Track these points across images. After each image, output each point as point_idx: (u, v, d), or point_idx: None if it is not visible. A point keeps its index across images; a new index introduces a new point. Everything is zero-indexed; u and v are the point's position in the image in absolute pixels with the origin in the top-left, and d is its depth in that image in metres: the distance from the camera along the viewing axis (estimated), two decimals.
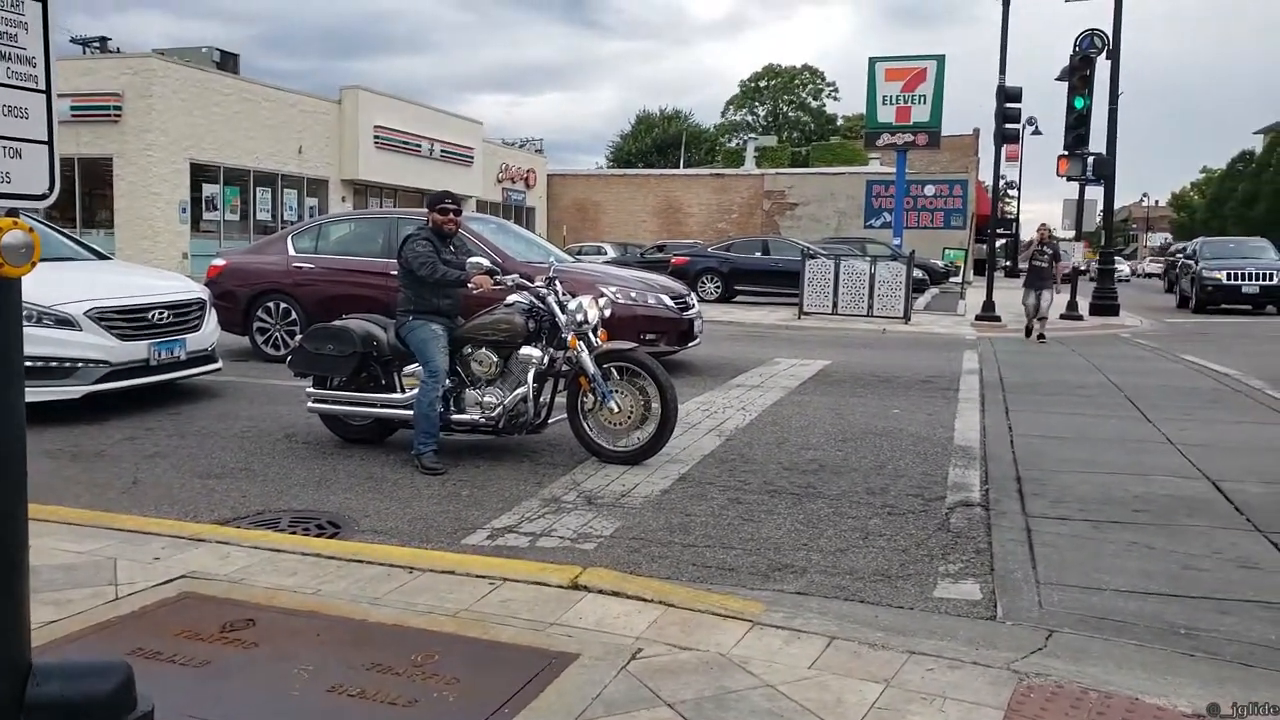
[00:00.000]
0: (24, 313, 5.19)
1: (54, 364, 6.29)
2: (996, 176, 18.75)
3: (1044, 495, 4.97)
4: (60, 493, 4.73)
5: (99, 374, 6.49)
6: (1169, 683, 2.74)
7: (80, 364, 6.40)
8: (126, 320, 6.66)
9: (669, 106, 64.27)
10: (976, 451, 6.02)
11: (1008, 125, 17.62)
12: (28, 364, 6.15)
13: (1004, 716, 2.52)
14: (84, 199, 24.57)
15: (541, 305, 5.53)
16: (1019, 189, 52.01)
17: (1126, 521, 4.51)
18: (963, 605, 3.48)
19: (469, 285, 5.49)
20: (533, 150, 46.53)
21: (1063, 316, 17.48)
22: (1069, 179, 17.75)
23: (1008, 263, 49.29)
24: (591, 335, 5.47)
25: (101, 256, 8.17)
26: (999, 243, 28.49)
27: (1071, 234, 19.21)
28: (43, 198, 1.60)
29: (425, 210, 5.80)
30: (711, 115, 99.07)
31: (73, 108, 23.26)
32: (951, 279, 32.55)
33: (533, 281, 5.71)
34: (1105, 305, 18.27)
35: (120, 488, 4.97)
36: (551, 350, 5.53)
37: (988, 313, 16.73)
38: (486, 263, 5.62)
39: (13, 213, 1.55)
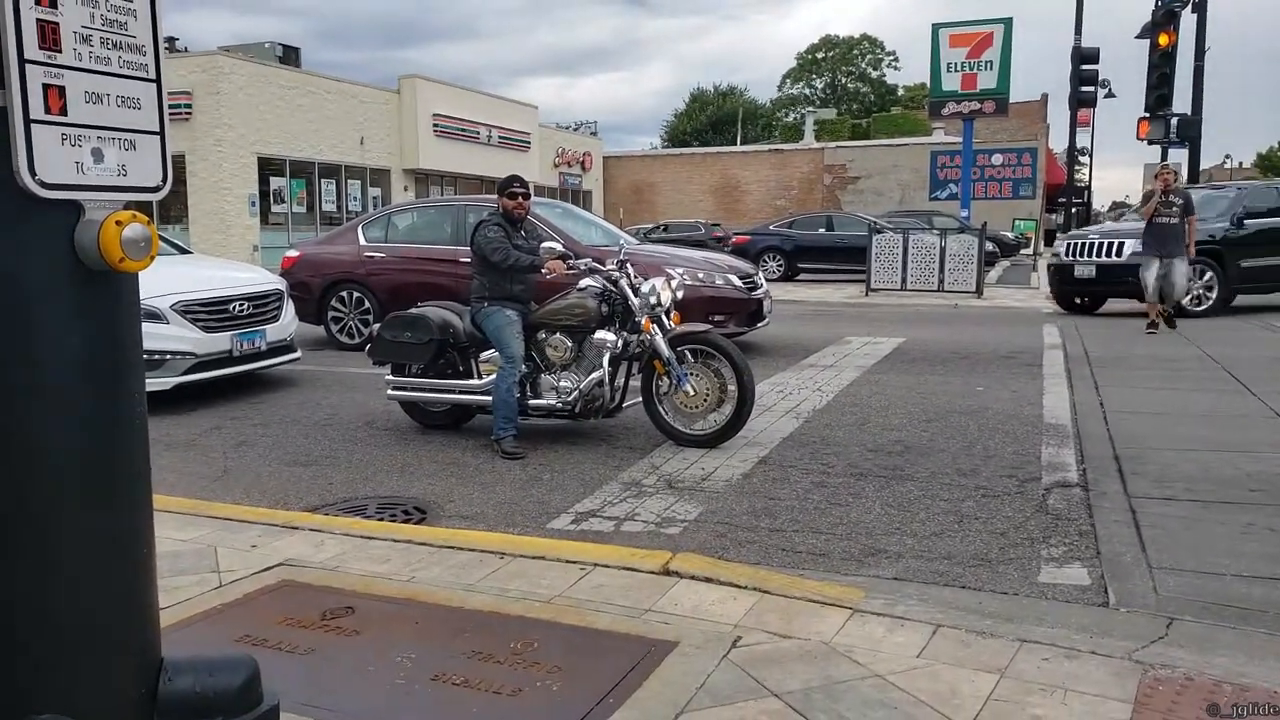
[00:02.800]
0: None
1: (145, 357, 6.45)
2: (1073, 142, 18.17)
3: (1145, 474, 4.76)
4: (157, 481, 4.74)
5: (186, 365, 6.65)
6: None
7: (169, 356, 6.57)
8: (209, 312, 6.81)
9: (723, 83, 63.64)
10: (1069, 429, 5.80)
11: (1084, 88, 17.01)
12: None
13: (1132, 710, 2.40)
14: None
15: (614, 289, 5.48)
16: (1090, 155, 50.33)
17: (1240, 502, 4.29)
18: (1071, 591, 3.34)
19: (542, 270, 5.47)
20: (587, 133, 46.55)
21: None
22: (1150, 142, 17.07)
23: None
24: (665, 318, 5.41)
25: (183, 251, 8.37)
26: (1072, 211, 27.51)
27: None
28: (156, 190, 1.58)
29: (494, 196, 5.79)
30: (768, 90, 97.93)
31: None
32: (1023, 251, 31.70)
33: (604, 265, 5.66)
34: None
35: (212, 476, 5.08)
36: (625, 334, 5.48)
37: None
38: (560, 247, 5.59)
39: (129, 206, 1.53)
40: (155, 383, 6.51)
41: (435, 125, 30.56)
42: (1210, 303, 12.28)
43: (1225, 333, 10.68)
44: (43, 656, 1.47)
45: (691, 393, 5.33)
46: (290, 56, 29.23)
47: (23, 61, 1.35)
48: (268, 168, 25.61)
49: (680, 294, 5.61)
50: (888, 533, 3.99)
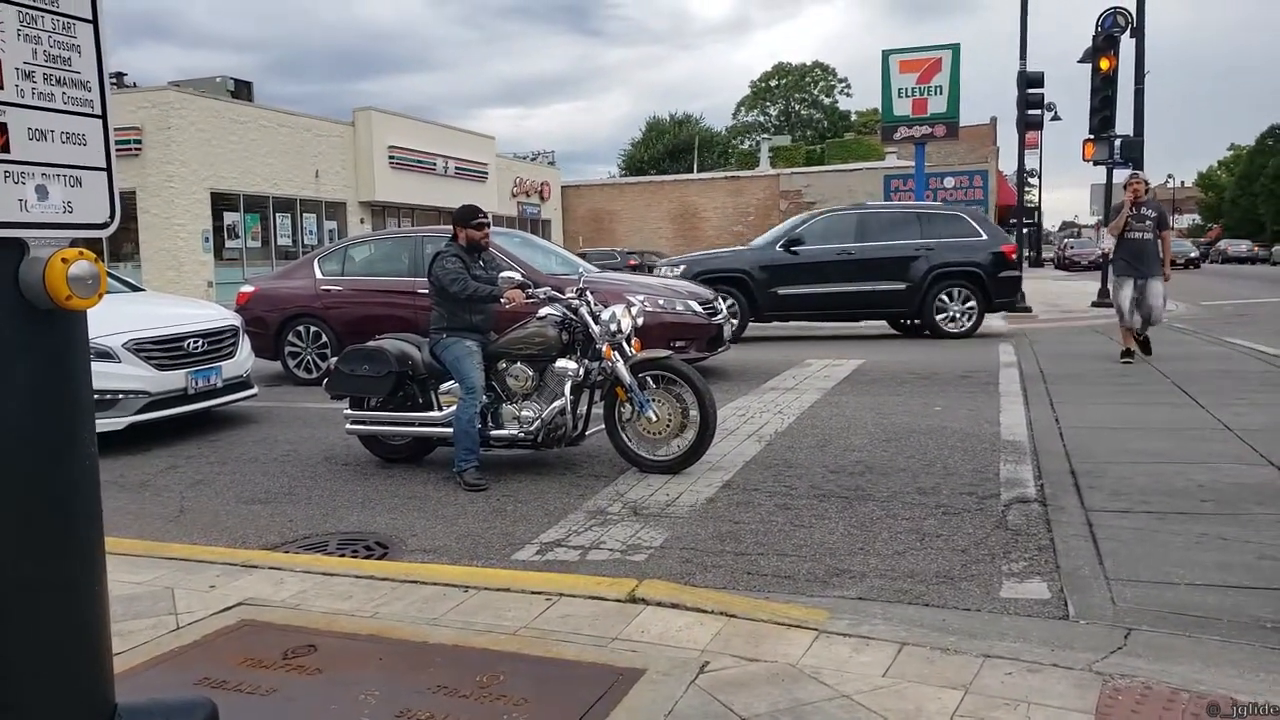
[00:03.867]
0: None
1: (96, 396, 6.32)
2: (1021, 165, 18.46)
3: (1101, 488, 4.84)
4: (110, 523, 4.66)
5: (140, 404, 6.52)
6: (1264, 680, 2.62)
7: (121, 395, 6.44)
8: (163, 350, 6.70)
9: (679, 111, 64.34)
10: (1026, 446, 5.90)
11: (1030, 112, 17.40)
12: None
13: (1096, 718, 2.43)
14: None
15: (574, 317, 5.49)
16: (1039, 176, 51.56)
17: (1193, 512, 4.38)
18: (1032, 605, 3.38)
19: (501, 300, 5.46)
20: (545, 163, 46.71)
21: (1094, 304, 17.26)
22: (1096, 163, 17.51)
23: (1031, 253, 48.86)
24: (626, 345, 5.42)
25: (134, 288, 8.23)
26: (1023, 232, 28.16)
27: (1098, 219, 18.93)
28: (104, 226, 1.56)
29: (451, 227, 5.78)
30: (723, 118, 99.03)
31: None
32: None
33: (563, 293, 5.67)
34: None
35: (168, 516, 4.97)
36: (586, 361, 5.48)
37: (1019, 304, 16.49)
38: (518, 276, 5.59)
39: (75, 243, 1.51)
40: (108, 423, 6.36)
41: (391, 157, 30.48)
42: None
43: (1175, 347, 10.96)
44: None
45: (654, 419, 5.34)
46: (243, 91, 29.03)
47: None
48: (221, 203, 25.33)
49: (641, 320, 5.63)
50: (851, 553, 4.01)
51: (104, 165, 1.56)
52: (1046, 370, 9.38)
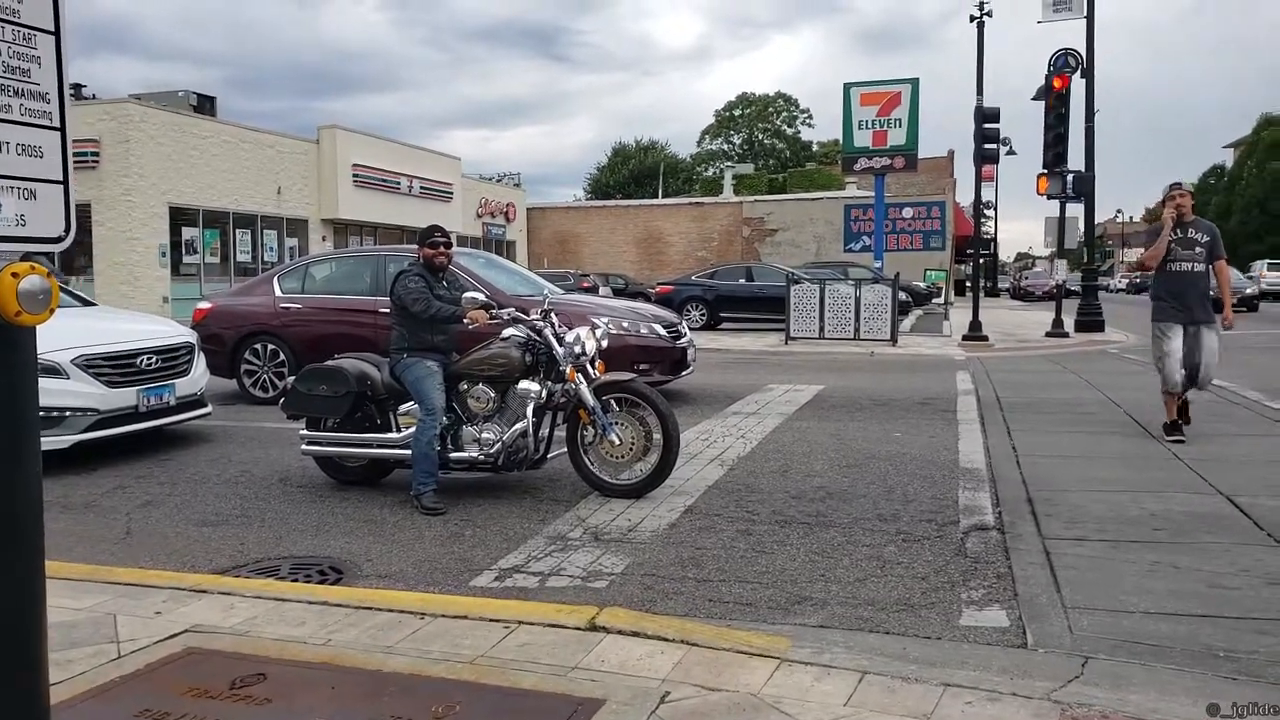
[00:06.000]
0: None
1: (41, 414, 6.15)
2: (978, 197, 18.86)
3: (1057, 516, 4.91)
4: (52, 546, 4.50)
5: (87, 422, 6.34)
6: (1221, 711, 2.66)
7: (68, 413, 6.26)
8: (114, 367, 6.53)
9: (645, 137, 64.74)
10: (984, 474, 5.96)
11: (986, 145, 17.81)
12: None
13: None
14: None
15: (538, 338, 5.45)
16: (995, 208, 52.67)
17: (1146, 540, 4.45)
18: (991, 633, 3.40)
19: (464, 321, 5.41)
20: (511, 184, 46.70)
21: (1048, 334, 17.61)
22: (1049, 197, 17.94)
23: (987, 283, 49.74)
24: (589, 367, 5.40)
25: (86, 303, 8.03)
26: (980, 263, 28.70)
27: (1052, 250, 19.35)
28: (59, 240, 1.51)
29: (414, 247, 5.73)
30: (688, 145, 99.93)
31: None
32: (934, 300, 32.78)
33: (528, 314, 5.63)
34: (1091, 321, 18.42)
35: (114, 539, 4.82)
36: (549, 384, 5.44)
37: (974, 333, 16.80)
38: (482, 297, 5.54)
39: (28, 257, 1.46)
40: (52, 441, 6.17)
41: (355, 175, 30.26)
42: None
43: (1126, 377, 11.19)
44: None
45: (617, 442, 5.31)
46: (205, 105, 28.66)
47: None
48: (180, 217, 24.91)
49: (605, 343, 5.60)
50: (812, 580, 4.01)
51: (60, 178, 1.51)
52: (1003, 398, 9.52)
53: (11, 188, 1.44)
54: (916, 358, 14.63)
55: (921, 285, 32.52)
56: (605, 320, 8.41)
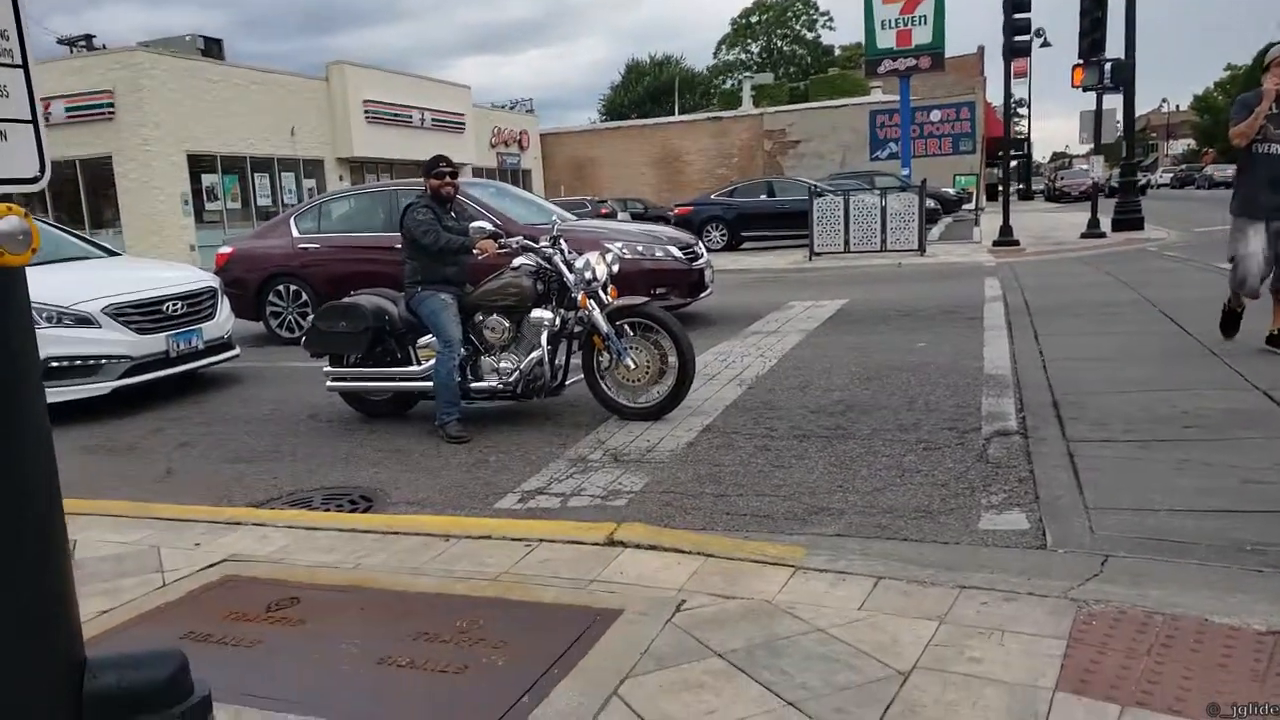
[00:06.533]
0: (45, 314, 5.15)
1: (78, 362, 6.31)
2: (1008, 94, 18.09)
3: (1084, 418, 4.87)
4: (99, 486, 4.75)
5: (122, 369, 6.50)
6: (1239, 601, 2.65)
7: (103, 360, 6.41)
8: (142, 314, 6.65)
9: (658, 52, 63.28)
10: (1009, 379, 5.91)
11: (1017, 38, 16.92)
12: (55, 364, 6.18)
13: (1067, 646, 2.46)
14: (90, 199, 24.53)
15: (548, 266, 5.44)
16: (1029, 106, 51.02)
17: (1176, 439, 4.40)
18: (1010, 536, 3.42)
19: (473, 251, 5.41)
20: (523, 111, 45.98)
21: (1083, 235, 17.22)
22: (1085, 89, 17.21)
23: (1020, 185, 48.52)
24: (602, 293, 5.39)
25: (111, 253, 8.14)
26: (1012, 164, 27.97)
27: (1089, 148, 18.72)
28: (34, 180, 1.52)
29: (422, 179, 5.71)
30: (704, 57, 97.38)
31: (68, 109, 23.22)
32: (964, 206, 32.14)
33: (537, 243, 5.61)
34: (1128, 219, 17.84)
35: (155, 478, 4.98)
36: (563, 311, 5.45)
37: (1005, 237, 16.48)
38: (489, 226, 5.52)
39: (6, 198, 1.47)
40: (92, 388, 6.38)
41: (367, 111, 29.97)
42: None
43: (1163, 275, 10.96)
44: None
45: (632, 366, 5.33)
46: (213, 49, 28.40)
47: None
48: (198, 165, 24.92)
49: (616, 268, 5.58)
50: (830, 491, 4.04)
51: (29, 117, 1.51)
52: (1032, 303, 9.39)
53: None
54: (945, 266, 14.43)
55: (951, 191, 31.90)
56: (619, 245, 8.34)
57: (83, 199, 24.32)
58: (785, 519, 3.74)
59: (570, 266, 5.36)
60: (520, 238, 5.72)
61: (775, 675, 2.40)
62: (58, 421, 6.19)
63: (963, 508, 3.73)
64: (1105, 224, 17.45)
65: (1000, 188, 20.37)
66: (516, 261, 5.51)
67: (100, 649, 2.08)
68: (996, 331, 7.76)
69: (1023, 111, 52.59)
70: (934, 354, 6.95)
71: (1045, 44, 36.88)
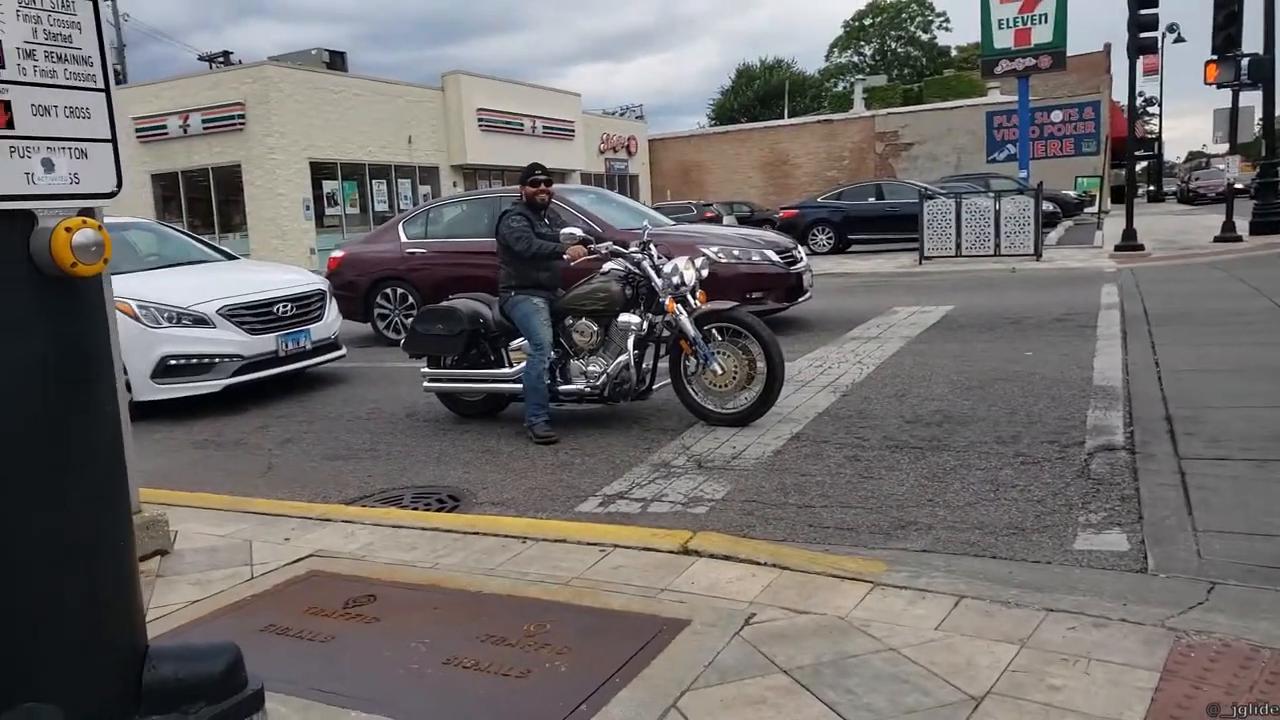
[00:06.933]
0: (165, 314, 5.50)
1: (194, 360, 6.68)
2: (1132, 93, 17.18)
3: (1199, 434, 4.57)
4: (205, 480, 5.02)
5: (234, 367, 6.84)
6: None
7: (217, 359, 6.77)
8: (254, 315, 6.99)
9: (769, 57, 62.71)
10: (1119, 391, 5.61)
11: (1143, 35, 16.04)
12: (173, 362, 6.57)
13: (1159, 679, 2.31)
14: (220, 205, 26.03)
15: (637, 271, 5.46)
16: (1160, 105, 48.35)
17: None
18: (1108, 557, 3.23)
19: (564, 256, 5.48)
20: (632, 117, 46.34)
21: (1216, 239, 16.19)
22: (1219, 85, 16.17)
23: (1150, 187, 46.02)
24: (690, 297, 5.37)
25: (229, 257, 8.59)
26: (1139, 165, 26.57)
27: (1225, 148, 17.59)
28: (111, 195, 1.62)
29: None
30: (815, 61, 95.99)
31: (204, 120, 24.75)
32: (1086, 209, 30.69)
33: (627, 247, 5.63)
34: (1268, 222, 16.65)
35: (257, 473, 5.22)
36: (650, 315, 5.46)
37: (1128, 241, 15.64)
38: (580, 232, 5.58)
39: (86, 211, 1.57)
40: (205, 385, 6.74)
41: (480, 120, 30.78)
42: None
43: None
44: (20, 649, 1.52)
45: (719, 371, 5.29)
46: (336, 61, 29.70)
47: None
48: (320, 171, 26.12)
49: (705, 273, 5.55)
50: (919, 505, 3.91)
51: (108, 137, 1.61)
52: (1152, 311, 8.88)
53: (63, 148, 1.55)
54: (1061, 272, 13.80)
55: (1072, 194, 30.51)
56: (714, 249, 8.34)
57: (214, 205, 25.83)
58: (870, 532, 3.64)
59: (659, 271, 5.36)
60: (610, 243, 5.76)
61: (840, 695, 2.33)
62: (172, 416, 6.64)
63: (1058, 526, 3.56)
64: (1242, 227, 16.35)
65: (1125, 190, 19.33)
66: (606, 266, 5.56)
67: (182, 638, 2.20)
68: (1110, 340, 7.37)
69: (1153, 110, 49.76)
70: (1041, 363, 6.65)
71: (1179, 39, 34.88)
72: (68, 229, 1.47)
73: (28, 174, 1.49)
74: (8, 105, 1.46)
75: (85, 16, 1.56)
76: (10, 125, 1.46)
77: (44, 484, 1.55)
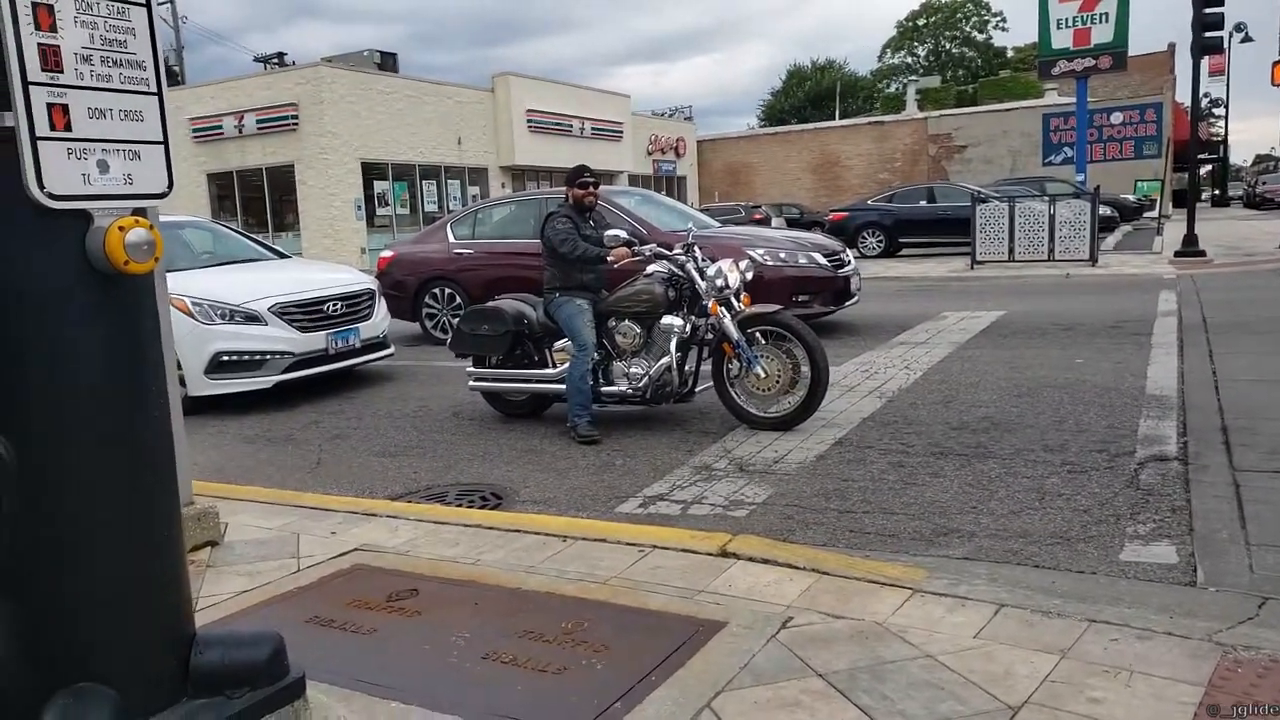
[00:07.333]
0: (218, 311, 5.66)
1: (245, 357, 6.84)
2: (1196, 94, 16.76)
3: (1255, 446, 4.44)
4: (255, 474, 5.15)
5: (285, 364, 6.99)
6: None
7: (268, 356, 6.92)
8: (305, 313, 7.13)
9: (820, 57, 62.23)
10: (1173, 401, 5.47)
11: (1208, 34, 15.61)
12: (225, 358, 6.74)
13: (1204, 694, 2.26)
14: (274, 204, 26.59)
15: (680, 273, 5.47)
16: (1226, 106, 47.03)
17: None
18: (1155, 569, 3.16)
19: (608, 259, 5.50)
20: (681, 118, 46.27)
21: None
22: None
23: (1215, 191, 44.73)
24: (734, 300, 5.36)
25: (281, 256, 8.78)
26: (1203, 169, 25.86)
27: None
28: (162, 195, 1.67)
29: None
30: (868, 62, 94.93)
31: (258, 121, 25.29)
32: (1145, 214, 29.97)
33: (671, 249, 5.64)
34: None
35: (306, 468, 5.33)
36: (694, 318, 5.46)
37: (1189, 247, 15.24)
38: (624, 234, 5.60)
39: (139, 211, 1.63)
40: (256, 381, 6.89)
41: (529, 121, 31.02)
42: None
43: None
44: (75, 632, 1.59)
45: (762, 375, 5.27)
46: (388, 62, 30.18)
47: (26, 84, 1.46)
48: (371, 172, 26.55)
49: (749, 275, 5.54)
50: (962, 512, 3.86)
51: (160, 139, 1.67)
52: (1211, 318, 8.64)
53: (118, 150, 1.61)
54: (1118, 278, 13.49)
55: (1131, 198, 29.79)
56: (760, 251, 8.30)
57: (267, 204, 26.39)
58: (911, 539, 3.61)
59: (702, 274, 5.36)
60: (654, 245, 5.77)
61: (875, 700, 2.32)
62: (223, 412, 6.81)
63: (1105, 536, 3.49)
64: None
65: (1187, 194, 18.83)
66: (650, 269, 5.58)
67: (229, 627, 2.26)
68: (1165, 349, 7.19)
69: (1218, 112, 48.36)
70: (1092, 371, 6.51)
71: (1246, 39, 33.84)
72: (121, 228, 1.53)
73: (84, 175, 1.55)
74: (66, 109, 1.52)
75: (139, 22, 1.62)
76: (68, 128, 1.53)
77: (101, 474, 1.61)
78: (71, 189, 1.53)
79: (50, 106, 1.49)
